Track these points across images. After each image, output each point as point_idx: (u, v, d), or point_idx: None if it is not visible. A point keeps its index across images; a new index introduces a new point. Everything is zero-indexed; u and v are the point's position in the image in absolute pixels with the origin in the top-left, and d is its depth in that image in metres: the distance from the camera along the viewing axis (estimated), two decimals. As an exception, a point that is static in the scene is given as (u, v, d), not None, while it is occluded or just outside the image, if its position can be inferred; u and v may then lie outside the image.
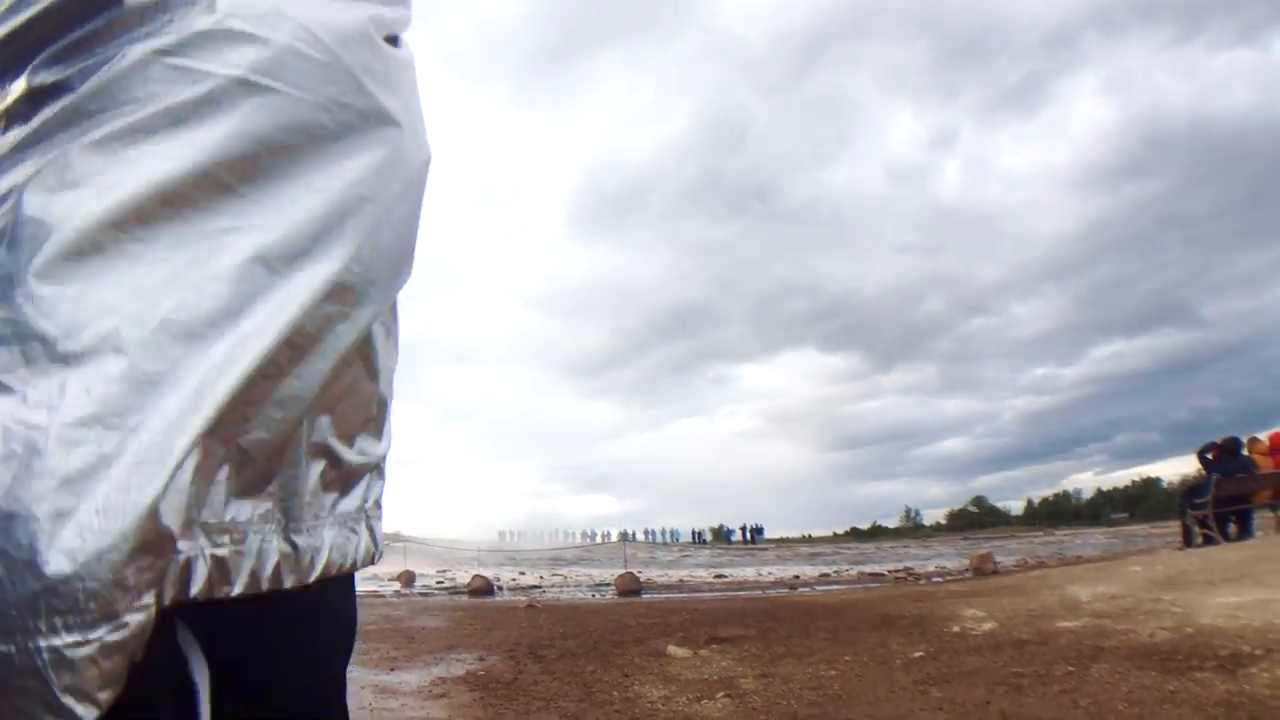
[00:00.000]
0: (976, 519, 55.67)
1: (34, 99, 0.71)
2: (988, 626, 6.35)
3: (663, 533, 56.97)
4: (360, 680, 5.46)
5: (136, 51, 0.68)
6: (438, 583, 18.17)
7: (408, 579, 18.32)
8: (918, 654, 5.56)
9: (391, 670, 5.82)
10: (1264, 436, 12.05)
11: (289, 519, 0.86)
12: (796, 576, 18.47)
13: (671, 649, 6.22)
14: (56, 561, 0.58)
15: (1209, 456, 11.95)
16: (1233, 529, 11.26)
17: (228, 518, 0.76)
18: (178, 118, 0.67)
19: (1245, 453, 11.76)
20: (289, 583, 0.84)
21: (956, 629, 6.45)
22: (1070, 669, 4.56)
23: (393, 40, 0.96)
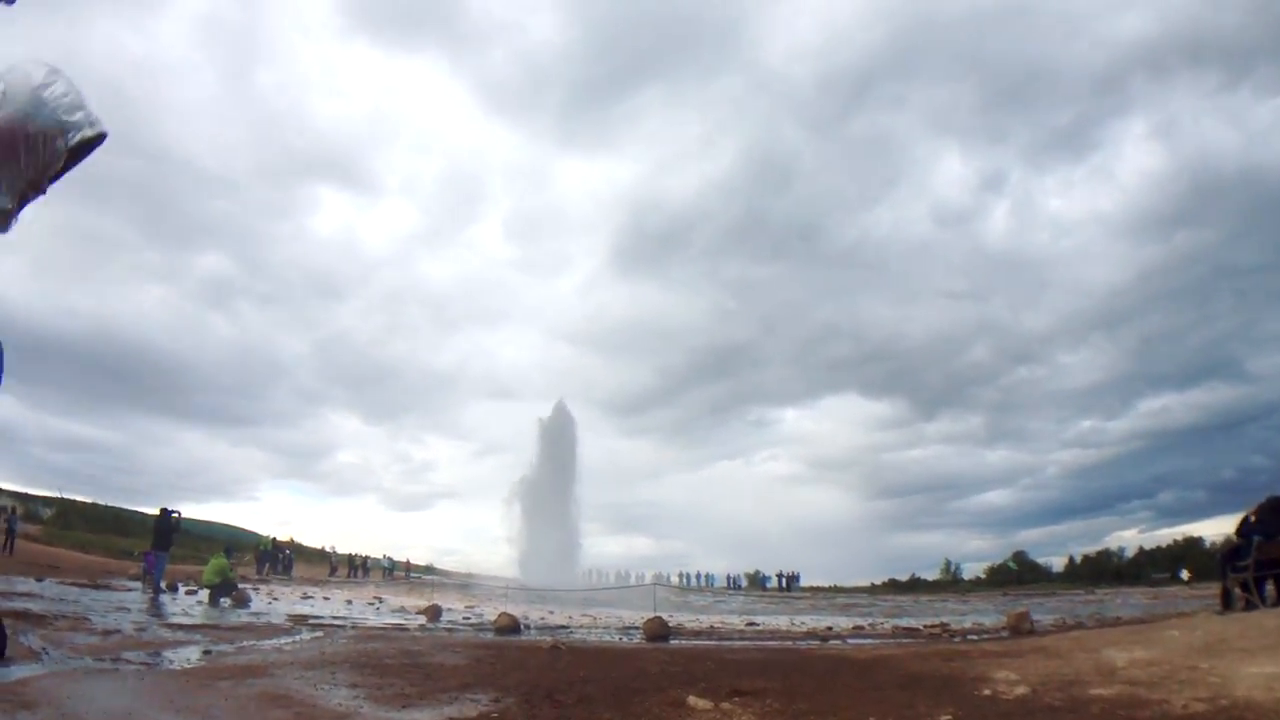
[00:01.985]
0: (1016, 575, 54.44)
1: None
2: (1019, 690, 6.18)
3: (698, 576, 56.25)
4: (370, 716, 5.43)
5: None
6: (464, 618, 18.07)
7: (434, 613, 18.26)
8: (945, 717, 5.41)
9: (403, 708, 5.76)
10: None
11: None
12: (829, 628, 18.13)
13: (692, 700, 6.11)
14: None
15: (1250, 518, 11.67)
16: (1270, 591, 10.94)
17: None
18: None
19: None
20: None
21: (987, 691, 6.28)
22: (1101, 740, 4.41)
23: None
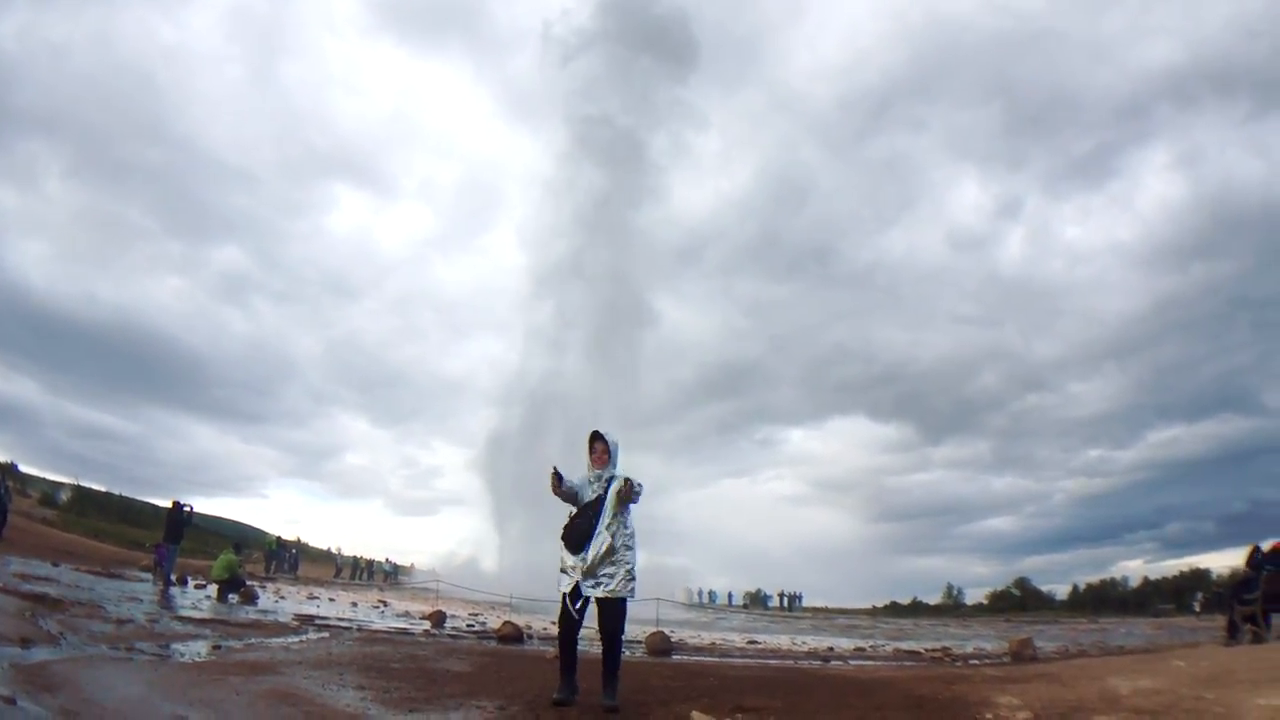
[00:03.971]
0: (1019, 601, 54.32)
1: None
2: (1022, 715, 6.18)
3: (699, 593, 56.23)
4: (378, 718, 5.49)
5: None
6: (468, 625, 18.05)
7: (438, 619, 18.26)
8: (947, 739, 5.42)
9: (410, 711, 5.80)
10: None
11: None
12: (830, 648, 18.07)
13: (695, 715, 6.13)
14: None
15: (1263, 551, 11.66)
16: (1276, 623, 10.94)
17: None
18: None
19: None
20: None
21: (990, 716, 6.29)
22: (1103, 768, 4.42)
23: None
